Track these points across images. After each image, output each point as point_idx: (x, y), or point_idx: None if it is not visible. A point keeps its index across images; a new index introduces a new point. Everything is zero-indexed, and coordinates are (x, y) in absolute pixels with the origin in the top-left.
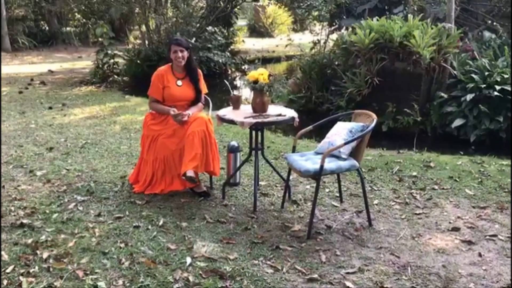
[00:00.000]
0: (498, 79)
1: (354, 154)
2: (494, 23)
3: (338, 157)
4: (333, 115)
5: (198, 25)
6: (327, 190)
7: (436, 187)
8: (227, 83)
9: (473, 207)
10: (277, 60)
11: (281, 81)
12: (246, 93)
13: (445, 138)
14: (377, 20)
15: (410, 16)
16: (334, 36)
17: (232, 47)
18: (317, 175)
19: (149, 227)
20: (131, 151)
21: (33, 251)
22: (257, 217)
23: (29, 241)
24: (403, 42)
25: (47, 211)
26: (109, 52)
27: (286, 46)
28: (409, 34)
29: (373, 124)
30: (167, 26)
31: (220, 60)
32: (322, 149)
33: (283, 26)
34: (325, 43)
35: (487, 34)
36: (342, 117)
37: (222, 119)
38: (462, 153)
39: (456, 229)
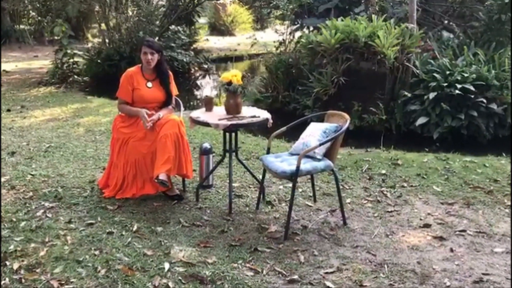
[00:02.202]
0: (459, 78)
1: (329, 154)
2: (451, 23)
3: (313, 158)
4: (300, 114)
5: (160, 24)
6: (300, 190)
7: (405, 184)
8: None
9: (442, 203)
10: (240, 58)
11: (248, 81)
12: (207, 91)
13: (409, 136)
14: (342, 20)
15: (374, 16)
16: (296, 35)
17: (194, 45)
18: (293, 176)
19: (123, 232)
20: (98, 154)
21: (2, 262)
22: (233, 220)
23: None
24: (368, 42)
25: (14, 219)
26: (69, 51)
27: (252, 45)
28: (374, 34)
29: (346, 125)
30: (129, 25)
31: (184, 60)
32: (297, 150)
33: (244, 24)
34: (289, 42)
35: (445, 34)
36: (314, 118)
37: (195, 121)
38: (427, 150)
39: (427, 226)
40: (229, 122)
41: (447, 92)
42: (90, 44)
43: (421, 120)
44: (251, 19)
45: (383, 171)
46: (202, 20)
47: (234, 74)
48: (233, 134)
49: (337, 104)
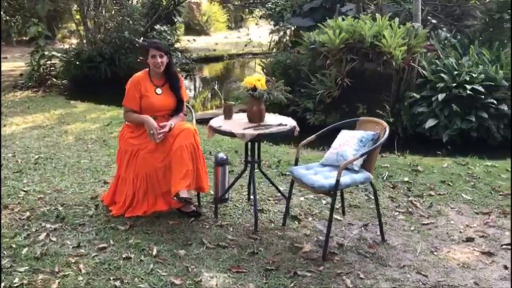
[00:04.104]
0: (467, 79)
1: (365, 165)
2: (440, 23)
3: (349, 170)
4: (301, 117)
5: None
6: (324, 201)
7: (432, 193)
8: (218, 91)
9: (476, 213)
10: (220, 58)
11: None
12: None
13: (417, 139)
14: (327, 19)
15: (378, 15)
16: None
17: (175, 46)
18: (332, 191)
19: (142, 258)
20: (94, 165)
21: None
22: (261, 238)
23: None
24: (373, 42)
25: (13, 246)
26: (46, 53)
27: (246, 45)
28: (379, 34)
29: (386, 133)
30: (113, 25)
31: (174, 60)
32: (330, 161)
33: (219, 23)
34: (278, 42)
35: (442, 33)
36: (345, 125)
37: (217, 131)
38: (439, 153)
39: (470, 240)
40: (256, 132)
41: (456, 93)
42: (67, 45)
43: (430, 123)
44: (226, 18)
45: (406, 179)
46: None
47: (258, 78)
48: (256, 143)
49: (341, 107)
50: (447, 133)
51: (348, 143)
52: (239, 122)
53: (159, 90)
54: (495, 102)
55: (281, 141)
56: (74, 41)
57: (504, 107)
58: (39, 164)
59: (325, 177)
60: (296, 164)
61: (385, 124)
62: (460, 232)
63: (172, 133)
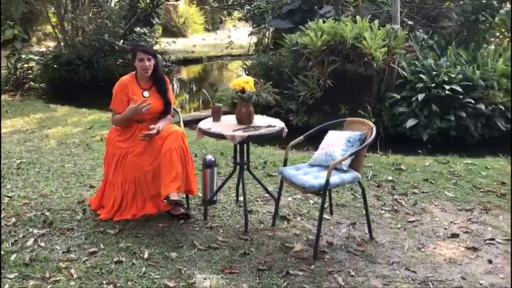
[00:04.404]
0: (446, 79)
1: (353, 164)
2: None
3: (338, 169)
4: (285, 119)
5: (124, 26)
6: (311, 201)
7: (416, 191)
8: (205, 93)
9: (459, 210)
10: (199, 60)
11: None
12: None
13: (398, 138)
14: (308, 21)
15: (359, 18)
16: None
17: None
18: (322, 191)
19: (134, 261)
20: (79, 170)
21: None
22: (251, 239)
23: None
24: (354, 44)
25: (1, 252)
26: (23, 56)
27: (227, 47)
28: (360, 36)
29: (374, 133)
30: (92, 27)
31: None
32: (319, 161)
33: (196, 25)
34: (266, 44)
35: (419, 34)
36: (331, 126)
37: (206, 133)
38: (420, 152)
39: (455, 236)
40: (246, 133)
41: (435, 93)
42: (44, 48)
43: (411, 122)
44: (204, 20)
45: (390, 178)
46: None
47: (246, 80)
48: (245, 145)
49: (323, 107)
50: (427, 132)
51: (336, 143)
52: (228, 124)
53: (146, 93)
54: (472, 101)
55: (266, 142)
56: (49, 43)
57: (482, 106)
58: (22, 169)
59: (315, 177)
60: (285, 165)
61: (371, 124)
62: (445, 228)
63: (161, 136)
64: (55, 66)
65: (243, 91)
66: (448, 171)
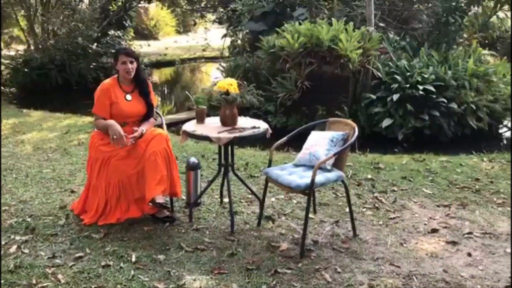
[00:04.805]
0: (419, 79)
1: (337, 164)
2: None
3: (323, 169)
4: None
5: (98, 29)
6: (294, 201)
7: (395, 188)
8: (189, 95)
9: (437, 206)
10: (171, 63)
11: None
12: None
13: (373, 138)
14: (284, 23)
15: (334, 20)
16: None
17: None
18: (307, 190)
19: (121, 264)
20: (58, 175)
21: None
22: (238, 240)
23: None
24: (331, 46)
25: None
26: None
27: (204, 50)
28: (336, 38)
29: (356, 132)
30: (65, 30)
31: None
32: (303, 161)
33: (167, 28)
34: (242, 46)
35: (391, 36)
36: (312, 127)
37: (191, 135)
38: (396, 150)
39: (435, 231)
40: (232, 135)
41: (409, 93)
42: (13, 51)
43: (386, 122)
44: (175, 23)
45: (369, 176)
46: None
47: (229, 82)
48: (229, 147)
49: (301, 109)
50: (402, 131)
51: (320, 143)
52: (212, 126)
53: (129, 97)
54: (445, 101)
55: (247, 144)
56: (17, 47)
57: (454, 106)
58: None
59: (300, 177)
60: (269, 165)
61: (353, 124)
62: (425, 224)
63: (145, 139)
64: (25, 70)
65: (227, 93)
66: (425, 168)
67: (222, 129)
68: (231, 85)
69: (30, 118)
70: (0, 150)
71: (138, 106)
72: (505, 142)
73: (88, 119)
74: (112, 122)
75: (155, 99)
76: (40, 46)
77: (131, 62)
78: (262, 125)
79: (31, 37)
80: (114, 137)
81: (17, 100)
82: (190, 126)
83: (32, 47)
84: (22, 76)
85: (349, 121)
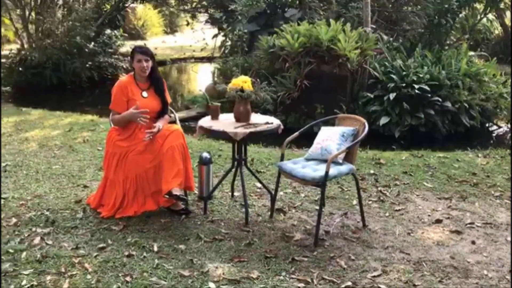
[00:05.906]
0: (415, 79)
1: (348, 157)
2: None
3: (334, 162)
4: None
5: (95, 28)
6: (302, 195)
7: (397, 182)
8: (204, 92)
9: (439, 198)
10: (162, 63)
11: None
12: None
13: (371, 135)
14: (282, 24)
15: (332, 21)
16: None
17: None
18: (321, 182)
19: (145, 254)
20: (68, 171)
21: None
22: (253, 230)
23: None
24: (329, 46)
25: (10, 250)
26: None
27: (202, 49)
28: (335, 38)
29: (366, 128)
30: (63, 30)
31: (124, 66)
32: (315, 155)
33: (155, 28)
34: (240, 46)
35: (385, 37)
36: (321, 123)
37: (207, 131)
38: (394, 147)
39: (438, 221)
40: (247, 130)
41: (405, 92)
42: (6, 51)
43: (384, 120)
44: (163, 23)
45: (372, 171)
46: None
47: (244, 80)
48: (242, 142)
49: (300, 107)
50: (399, 129)
51: (331, 138)
52: (227, 122)
53: (145, 94)
54: (440, 99)
55: (250, 141)
56: (8, 46)
57: (448, 104)
58: (10, 172)
59: (314, 170)
60: (282, 159)
61: (363, 120)
62: (429, 215)
63: (161, 134)
64: (20, 69)
65: (242, 90)
66: (424, 164)
67: (237, 125)
68: (245, 82)
69: (30, 116)
70: (0, 149)
71: (154, 103)
72: (495, 139)
73: (89, 117)
74: (127, 111)
75: (169, 97)
76: (33, 45)
77: (146, 61)
78: (274, 121)
79: (25, 36)
80: (138, 119)
81: (12, 99)
82: (206, 122)
83: (26, 46)
84: (16, 75)
85: (359, 117)
